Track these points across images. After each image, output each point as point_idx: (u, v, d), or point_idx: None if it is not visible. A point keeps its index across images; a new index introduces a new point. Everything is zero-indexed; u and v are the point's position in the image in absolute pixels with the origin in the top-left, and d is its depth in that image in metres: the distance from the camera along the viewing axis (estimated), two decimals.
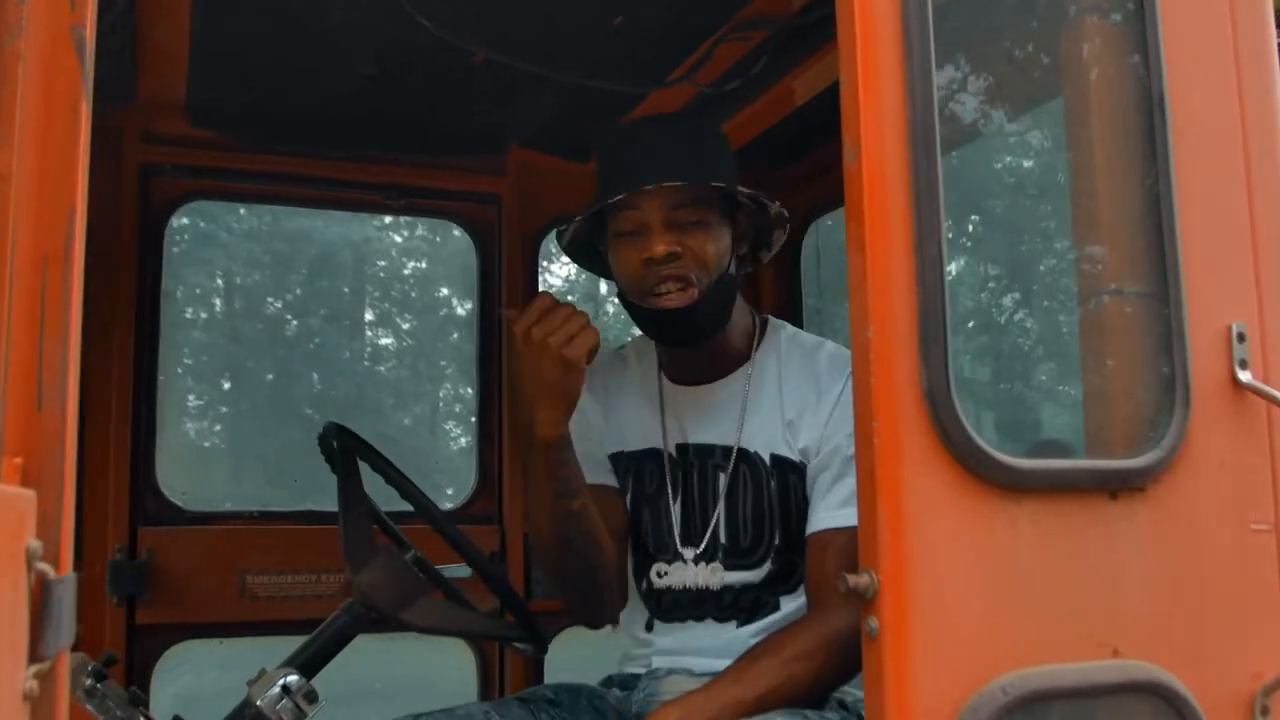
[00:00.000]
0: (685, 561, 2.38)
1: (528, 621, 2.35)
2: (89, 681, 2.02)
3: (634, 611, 2.49)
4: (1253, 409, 1.78)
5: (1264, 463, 1.78)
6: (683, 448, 2.43)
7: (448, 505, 3.66)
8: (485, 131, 3.43)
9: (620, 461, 2.49)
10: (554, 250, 2.89)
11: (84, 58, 1.25)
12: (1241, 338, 1.78)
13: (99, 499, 3.18)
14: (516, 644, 2.41)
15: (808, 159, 3.50)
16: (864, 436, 1.55)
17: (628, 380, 2.53)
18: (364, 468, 2.36)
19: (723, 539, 2.36)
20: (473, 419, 3.84)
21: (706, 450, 2.39)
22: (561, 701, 2.36)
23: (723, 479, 2.36)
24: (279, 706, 2.10)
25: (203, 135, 3.32)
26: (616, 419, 2.51)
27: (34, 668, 1.11)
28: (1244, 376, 1.77)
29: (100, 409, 3.21)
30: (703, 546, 2.37)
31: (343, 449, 2.33)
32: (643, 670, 2.41)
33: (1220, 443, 1.75)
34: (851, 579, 1.53)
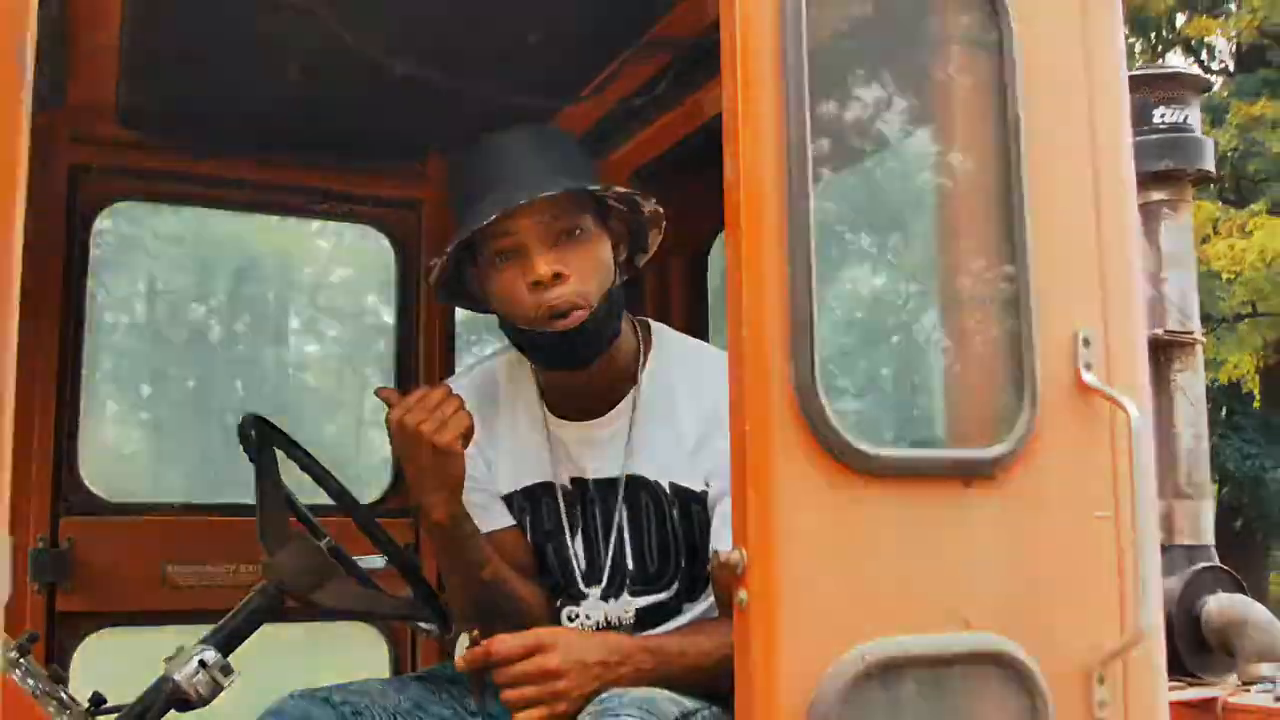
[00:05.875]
0: (593, 600, 2.41)
1: (434, 603, 2.47)
2: (13, 654, 2.12)
3: None
4: (1095, 407, 1.95)
5: (1105, 456, 1.96)
6: (579, 482, 2.43)
7: (366, 500, 3.77)
8: (406, 139, 3.56)
9: (514, 500, 2.49)
10: None
11: (24, 66, 1.37)
12: (1087, 342, 1.96)
13: (21, 491, 3.25)
14: (422, 625, 2.53)
15: (715, 172, 3.65)
16: (737, 425, 1.70)
17: (505, 412, 2.50)
18: (283, 460, 2.48)
19: (629, 566, 2.38)
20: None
21: (606, 484, 2.39)
22: (461, 679, 2.38)
23: (625, 511, 2.37)
24: (195, 680, 2.22)
25: (131, 137, 3.40)
26: (503, 456, 2.49)
27: None
28: (1088, 378, 1.95)
29: (24, 402, 3.27)
30: (607, 581, 2.40)
31: (260, 439, 2.45)
32: None
33: (1065, 436, 1.93)
34: (723, 554, 1.68)
